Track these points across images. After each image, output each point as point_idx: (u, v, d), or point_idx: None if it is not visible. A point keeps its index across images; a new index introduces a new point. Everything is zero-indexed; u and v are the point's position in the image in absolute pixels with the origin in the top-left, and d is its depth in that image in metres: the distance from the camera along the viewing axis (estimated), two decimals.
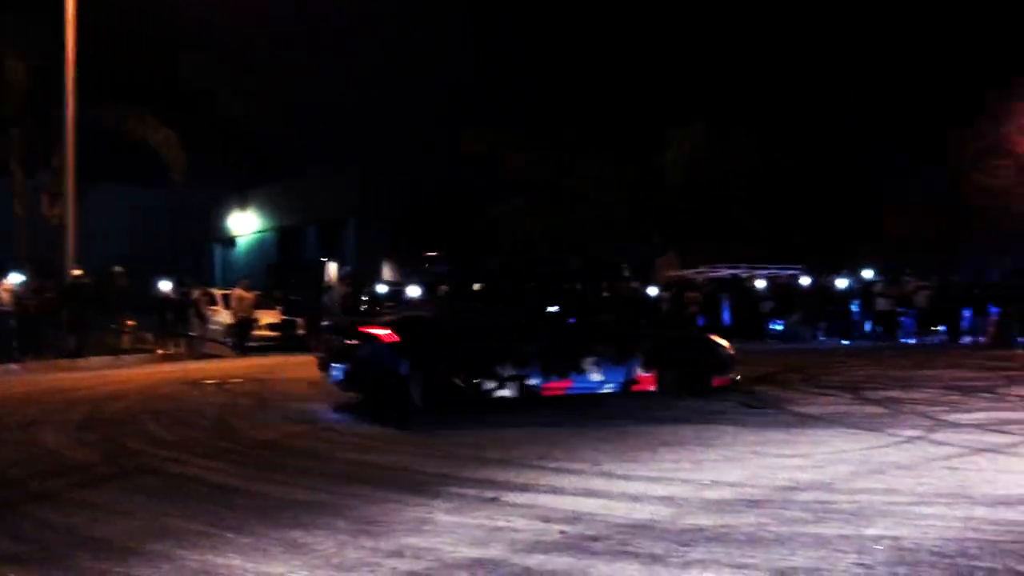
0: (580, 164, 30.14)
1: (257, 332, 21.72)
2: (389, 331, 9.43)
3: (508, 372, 9.55)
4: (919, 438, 7.58)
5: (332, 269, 20.69)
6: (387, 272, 35.61)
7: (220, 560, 4.36)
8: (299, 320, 21.88)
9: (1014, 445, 7.17)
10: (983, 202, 32.12)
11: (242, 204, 43.41)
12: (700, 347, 11.04)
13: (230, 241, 44.96)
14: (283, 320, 22.11)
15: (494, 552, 4.44)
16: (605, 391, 10.05)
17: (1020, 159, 32.37)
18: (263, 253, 41.42)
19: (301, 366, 16.30)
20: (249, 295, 20.95)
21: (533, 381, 9.66)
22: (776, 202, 30.06)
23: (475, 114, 30.58)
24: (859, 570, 4.08)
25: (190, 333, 20.33)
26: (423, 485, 5.97)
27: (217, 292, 24.20)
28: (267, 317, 22.22)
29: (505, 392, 9.56)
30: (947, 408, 9.43)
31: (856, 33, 32.34)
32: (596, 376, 9.98)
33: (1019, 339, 19.57)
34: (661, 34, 31.63)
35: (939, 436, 7.66)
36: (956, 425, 8.27)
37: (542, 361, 9.71)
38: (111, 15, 20.68)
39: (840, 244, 29.36)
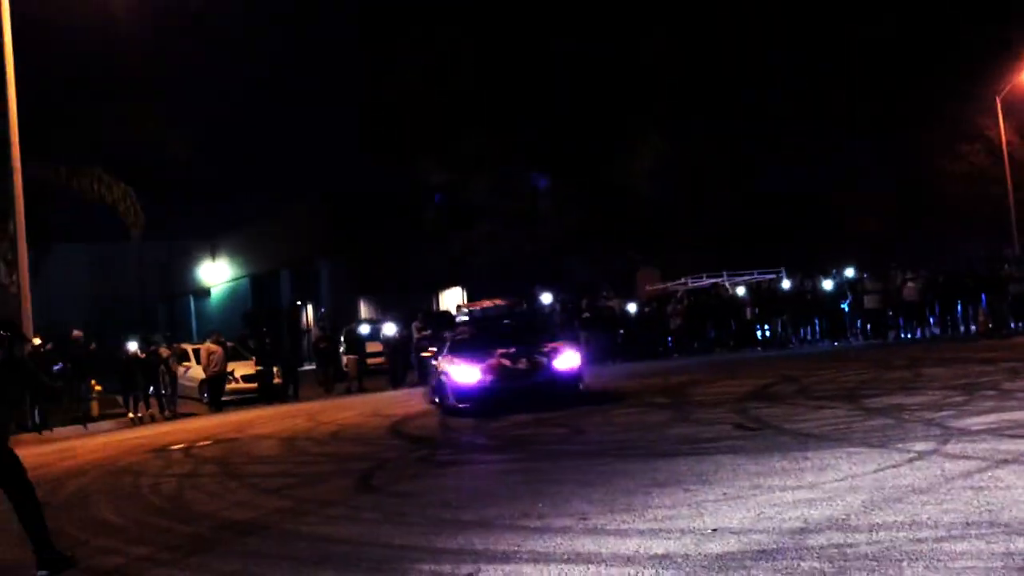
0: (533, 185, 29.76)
1: (232, 385, 21.01)
2: None
3: None
4: (932, 452, 6.97)
5: (308, 312, 20.06)
6: (364, 310, 34.97)
7: None
8: (275, 369, 21.15)
9: None
10: (952, 188, 31.99)
11: (213, 253, 42.65)
12: None
13: (204, 292, 44.12)
14: (258, 370, 21.31)
15: None
16: None
17: (989, 142, 32.22)
18: (237, 301, 40.63)
19: (275, 419, 15.64)
20: (218, 348, 20.09)
21: None
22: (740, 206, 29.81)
23: (426, 145, 29.88)
24: None
25: (162, 393, 19.49)
26: (391, 562, 5.30)
27: (188, 347, 23.44)
28: (241, 369, 21.48)
29: None
30: (954, 412, 8.83)
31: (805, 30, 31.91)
32: None
33: (1012, 326, 19.14)
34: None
35: (953, 448, 7.06)
36: (968, 432, 7.67)
37: None
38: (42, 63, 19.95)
39: (810, 244, 29.03)
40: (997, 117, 30.60)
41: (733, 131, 30.23)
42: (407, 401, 16.49)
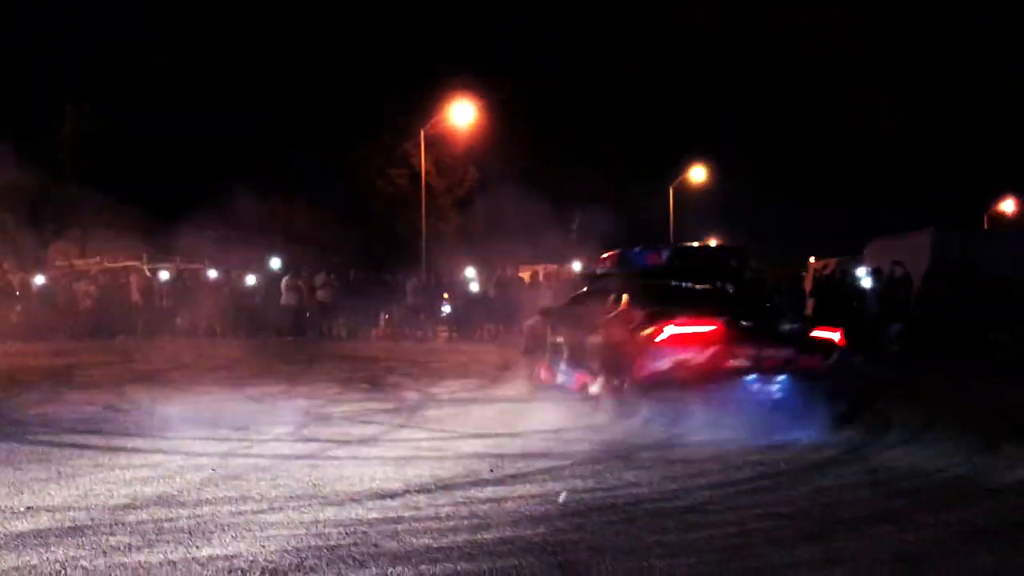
0: None
1: None
2: None
3: None
4: (288, 434, 7.30)
5: None
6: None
7: None
8: None
9: (375, 437, 7.26)
10: (379, 207, 35.40)
11: None
12: None
13: None
14: None
15: None
16: None
17: (412, 168, 35.96)
18: None
19: None
20: None
21: None
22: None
23: None
24: None
25: None
26: None
27: None
28: None
29: None
30: (323, 402, 9.43)
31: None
32: None
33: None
34: None
35: (309, 431, 7.49)
36: (328, 418, 8.21)
37: None
38: None
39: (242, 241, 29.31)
40: (421, 147, 34.14)
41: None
42: None
